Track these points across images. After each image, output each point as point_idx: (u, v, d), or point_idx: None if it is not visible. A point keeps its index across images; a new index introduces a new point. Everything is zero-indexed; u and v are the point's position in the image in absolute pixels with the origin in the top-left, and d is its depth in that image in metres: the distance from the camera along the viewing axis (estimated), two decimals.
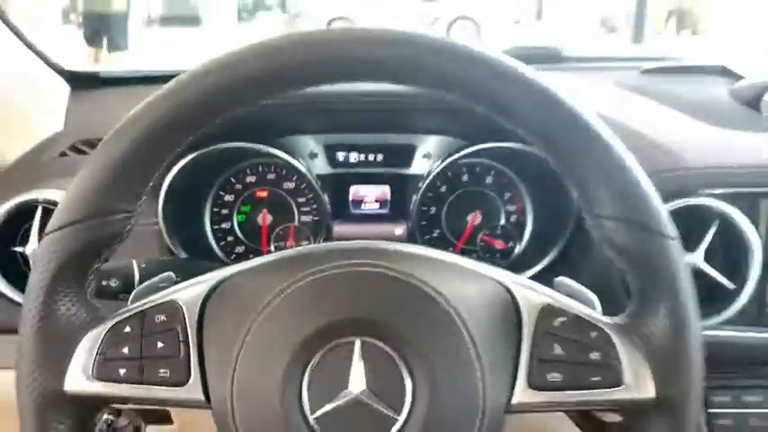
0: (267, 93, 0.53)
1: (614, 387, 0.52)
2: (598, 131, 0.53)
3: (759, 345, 0.78)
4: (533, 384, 0.52)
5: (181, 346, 0.53)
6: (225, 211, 0.96)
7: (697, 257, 0.76)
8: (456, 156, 0.90)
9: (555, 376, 0.52)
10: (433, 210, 0.96)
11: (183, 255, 0.86)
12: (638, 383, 0.52)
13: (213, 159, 0.90)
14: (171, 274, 0.62)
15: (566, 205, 0.85)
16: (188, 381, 0.53)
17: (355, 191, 0.97)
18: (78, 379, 0.53)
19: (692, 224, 0.76)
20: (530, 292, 0.54)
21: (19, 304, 0.82)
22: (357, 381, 0.50)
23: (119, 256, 0.60)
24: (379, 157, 0.96)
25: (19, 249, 0.84)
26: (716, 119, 0.89)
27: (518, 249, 0.94)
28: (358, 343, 0.51)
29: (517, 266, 0.89)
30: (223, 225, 0.96)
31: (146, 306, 0.55)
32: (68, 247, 0.53)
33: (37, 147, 0.94)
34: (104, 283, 0.70)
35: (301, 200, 0.96)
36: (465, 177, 0.95)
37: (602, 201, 0.52)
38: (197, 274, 0.58)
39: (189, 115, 0.53)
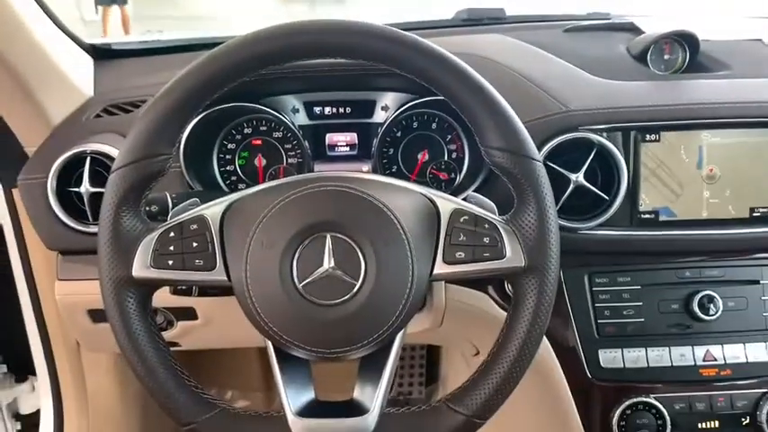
0: (263, 67, 0.71)
1: (499, 259, 0.71)
2: (481, 85, 0.72)
3: (627, 240, 0.99)
4: (446, 260, 0.72)
5: (209, 244, 0.71)
6: (228, 157, 1.09)
7: (579, 176, 0.95)
8: (406, 106, 1.04)
9: (461, 254, 0.72)
10: (391, 150, 1.10)
11: (200, 189, 1.02)
12: (515, 256, 0.71)
13: (218, 116, 1.03)
14: (196, 199, 0.79)
15: None
16: (215, 267, 0.71)
17: (330, 137, 1.10)
18: (141, 267, 0.71)
19: (576, 153, 0.96)
20: (445, 201, 0.74)
21: (77, 230, 0.99)
22: (328, 260, 0.69)
23: (155, 192, 0.78)
24: (348, 109, 1.10)
25: (74, 189, 0.99)
26: (607, 71, 1.05)
27: (458, 179, 1.09)
28: (329, 237, 0.69)
29: (457, 190, 1.05)
30: (228, 167, 1.09)
31: (182, 219, 0.73)
32: (128, 179, 0.71)
33: (77, 110, 1.08)
34: (147, 208, 0.84)
35: (288, 146, 1.09)
36: (415, 124, 1.09)
37: (489, 136, 0.72)
38: (212, 200, 0.75)
39: (207, 85, 0.71)
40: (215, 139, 1.09)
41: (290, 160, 1.10)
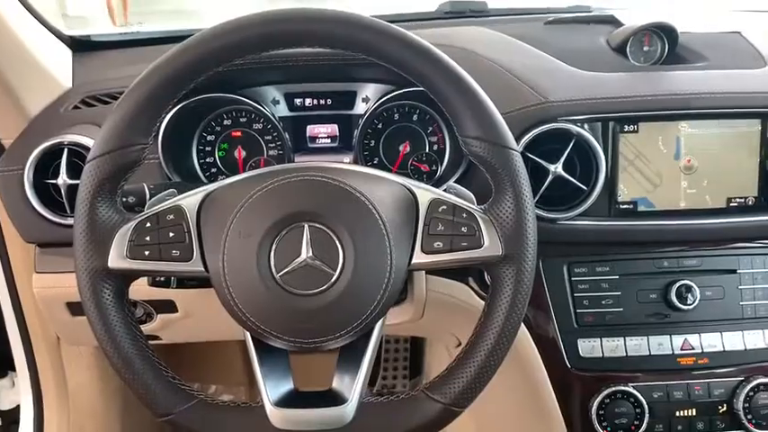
0: (238, 56, 0.71)
1: (477, 249, 0.72)
2: (459, 74, 0.72)
3: (606, 230, 1.00)
4: (425, 250, 0.72)
5: (185, 234, 0.71)
6: (208, 149, 1.08)
7: (558, 167, 0.95)
8: (387, 98, 1.03)
9: (439, 244, 0.72)
10: (372, 142, 1.09)
11: (178, 180, 1.01)
12: (492, 246, 0.72)
13: (197, 107, 1.02)
14: (173, 190, 0.79)
15: None
16: (192, 258, 0.71)
17: (311, 129, 1.10)
18: (117, 258, 0.71)
19: (554, 143, 0.96)
20: (424, 191, 0.74)
21: (54, 222, 0.98)
22: (306, 250, 0.69)
23: (133, 183, 0.77)
24: (329, 101, 1.09)
25: (51, 181, 0.98)
26: (587, 63, 1.06)
27: (440, 171, 1.09)
28: (306, 226, 0.69)
29: (439, 182, 1.06)
30: (207, 159, 1.08)
31: (159, 209, 0.72)
32: (103, 170, 0.71)
33: (55, 102, 1.07)
34: (124, 199, 0.83)
35: (268, 137, 1.08)
36: (396, 116, 1.08)
37: (466, 126, 0.72)
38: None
39: (183, 74, 0.71)
40: (194, 131, 1.09)
41: (270, 152, 1.10)
